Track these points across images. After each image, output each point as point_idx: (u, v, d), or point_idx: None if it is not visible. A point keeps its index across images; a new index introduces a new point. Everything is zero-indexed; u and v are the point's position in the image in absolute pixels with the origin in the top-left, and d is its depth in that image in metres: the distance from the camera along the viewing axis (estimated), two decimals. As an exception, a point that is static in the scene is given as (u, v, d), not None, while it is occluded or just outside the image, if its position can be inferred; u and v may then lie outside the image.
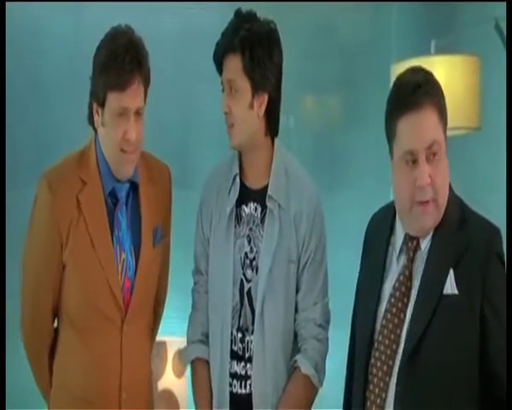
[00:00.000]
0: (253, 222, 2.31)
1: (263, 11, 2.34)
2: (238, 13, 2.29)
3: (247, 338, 2.29)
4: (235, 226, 2.31)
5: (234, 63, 2.24)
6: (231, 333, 2.30)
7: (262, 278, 2.26)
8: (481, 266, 1.94)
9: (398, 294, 2.01)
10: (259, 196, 2.30)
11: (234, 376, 2.31)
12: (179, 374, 3.30)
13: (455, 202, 2.04)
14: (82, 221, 2.22)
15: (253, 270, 2.29)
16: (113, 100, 2.17)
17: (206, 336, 2.36)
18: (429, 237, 2.01)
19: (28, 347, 2.31)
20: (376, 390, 1.99)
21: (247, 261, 2.30)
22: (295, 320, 2.31)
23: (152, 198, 2.33)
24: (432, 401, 1.92)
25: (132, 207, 2.30)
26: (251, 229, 2.31)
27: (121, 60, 2.15)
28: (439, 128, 1.97)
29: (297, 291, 2.31)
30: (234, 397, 2.31)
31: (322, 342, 2.31)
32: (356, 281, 2.23)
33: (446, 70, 3.29)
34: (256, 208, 2.31)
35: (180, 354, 2.51)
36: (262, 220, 2.30)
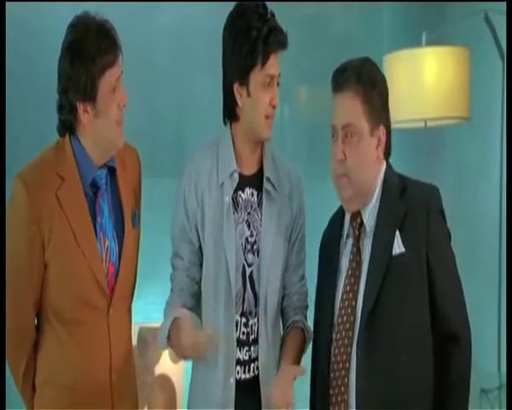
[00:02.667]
0: (251, 207, 2.35)
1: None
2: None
3: (251, 321, 2.33)
4: (233, 213, 2.33)
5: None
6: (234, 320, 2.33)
7: (265, 261, 2.31)
8: (423, 222, 2.09)
9: (350, 271, 2.15)
10: (254, 181, 2.35)
11: (237, 362, 2.33)
12: (176, 360, 3.34)
13: (393, 176, 2.18)
14: (63, 218, 2.21)
15: (254, 253, 2.33)
16: (108, 78, 2.18)
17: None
18: (370, 210, 2.16)
19: (10, 345, 2.28)
20: (341, 365, 2.11)
21: (248, 246, 2.33)
22: (284, 296, 2.37)
23: (127, 182, 2.35)
24: (392, 358, 2.05)
25: (112, 192, 2.31)
26: (249, 213, 2.35)
27: (111, 36, 2.19)
28: (359, 113, 2.12)
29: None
30: (237, 383, 2.33)
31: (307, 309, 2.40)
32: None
33: (437, 61, 3.34)
34: (252, 193, 2.36)
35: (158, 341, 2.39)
36: (259, 204, 2.35)
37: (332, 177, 2.17)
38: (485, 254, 3.62)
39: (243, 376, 2.34)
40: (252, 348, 2.33)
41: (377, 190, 2.17)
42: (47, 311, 2.26)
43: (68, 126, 2.25)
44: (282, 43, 2.30)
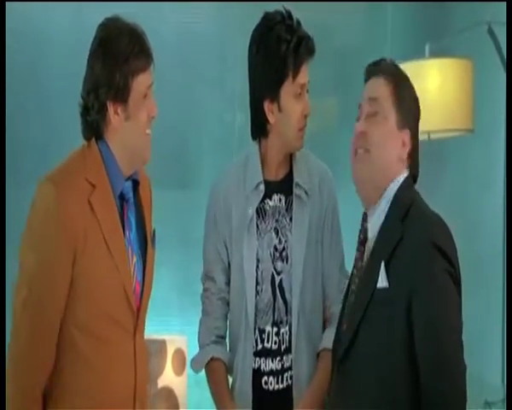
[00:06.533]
0: (279, 213, 2.31)
1: (259, 12, 2.37)
2: None
3: (282, 330, 2.28)
4: (260, 223, 2.31)
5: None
6: (264, 330, 2.29)
7: (298, 269, 2.26)
8: (411, 255, 1.89)
9: (351, 288, 2.05)
10: (283, 186, 2.32)
11: (269, 373, 2.29)
12: (179, 372, 3.35)
13: (407, 192, 2.00)
14: (97, 226, 2.04)
15: (283, 261, 2.29)
16: (141, 83, 2.07)
17: (220, 337, 2.35)
18: (374, 219, 2.00)
19: (20, 379, 2.00)
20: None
21: (277, 254, 2.29)
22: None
23: (145, 201, 2.24)
24: (366, 393, 1.91)
25: (136, 206, 2.18)
26: (277, 220, 2.31)
27: (144, 41, 2.10)
28: (388, 97, 2.01)
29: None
30: (269, 394, 2.29)
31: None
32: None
33: (440, 73, 3.34)
34: (280, 199, 2.32)
35: (193, 361, 2.41)
36: (287, 209, 2.31)
37: (351, 159, 2.04)
38: (490, 264, 3.61)
39: (276, 386, 2.29)
40: (284, 358, 2.29)
41: (386, 200, 1.99)
42: (70, 329, 2.04)
43: (96, 128, 2.09)
44: (311, 51, 2.29)
